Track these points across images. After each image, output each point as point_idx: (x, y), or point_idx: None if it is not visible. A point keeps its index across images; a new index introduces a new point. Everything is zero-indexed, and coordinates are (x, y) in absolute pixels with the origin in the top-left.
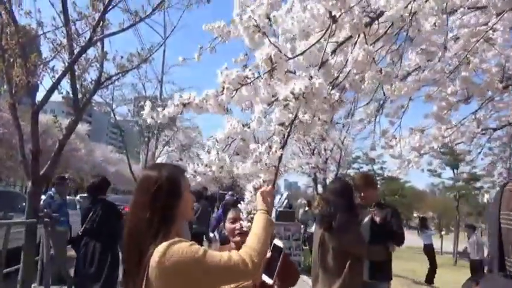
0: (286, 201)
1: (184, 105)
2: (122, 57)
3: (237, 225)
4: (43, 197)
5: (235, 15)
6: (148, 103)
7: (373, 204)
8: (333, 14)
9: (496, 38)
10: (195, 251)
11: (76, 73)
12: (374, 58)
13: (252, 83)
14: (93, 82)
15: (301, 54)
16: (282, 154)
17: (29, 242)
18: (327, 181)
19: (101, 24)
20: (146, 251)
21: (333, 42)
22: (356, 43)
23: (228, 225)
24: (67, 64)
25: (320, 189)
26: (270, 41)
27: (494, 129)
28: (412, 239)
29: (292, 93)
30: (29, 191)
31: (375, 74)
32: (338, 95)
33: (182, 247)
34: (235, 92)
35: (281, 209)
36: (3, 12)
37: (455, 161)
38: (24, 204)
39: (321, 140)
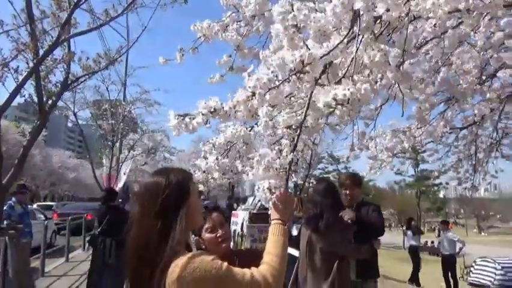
0: (259, 203)
1: (212, 112)
2: (88, 58)
3: (219, 233)
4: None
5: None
6: (172, 114)
7: (355, 203)
8: (357, 12)
9: (476, 41)
10: (218, 267)
11: (42, 75)
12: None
13: (278, 87)
14: (58, 84)
15: (327, 54)
16: (292, 158)
17: None
18: (298, 182)
19: (70, 23)
20: (158, 263)
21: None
22: (360, 43)
23: (207, 235)
24: (31, 65)
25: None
26: (304, 42)
27: (461, 129)
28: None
29: (334, 99)
30: None
31: (395, 74)
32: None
33: (205, 262)
34: (264, 96)
35: (255, 211)
36: None
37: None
38: None
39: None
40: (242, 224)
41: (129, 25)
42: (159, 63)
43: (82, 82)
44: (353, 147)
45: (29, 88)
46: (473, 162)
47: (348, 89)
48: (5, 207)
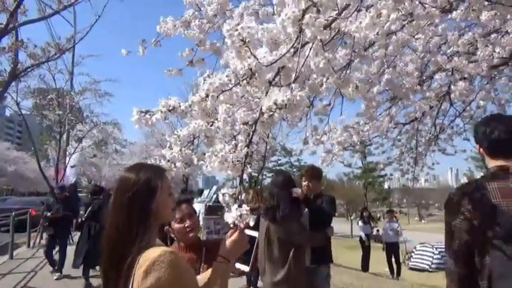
0: (215, 195)
1: (170, 110)
2: (36, 46)
3: (187, 223)
4: None
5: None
6: (134, 110)
7: (313, 194)
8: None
9: (417, 46)
10: (177, 275)
11: None
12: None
13: (231, 89)
14: (4, 74)
15: (275, 62)
16: (247, 152)
17: None
18: (252, 174)
19: (18, 10)
20: (127, 254)
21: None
22: (311, 49)
23: (176, 225)
24: None
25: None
26: (251, 52)
27: (404, 124)
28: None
29: (275, 103)
30: None
31: (336, 80)
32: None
33: (171, 264)
34: (217, 97)
35: (211, 203)
36: None
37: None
38: None
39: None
40: (198, 216)
41: (76, 14)
42: (109, 52)
43: (30, 71)
44: (306, 140)
45: None
46: (414, 155)
47: (286, 96)
48: None
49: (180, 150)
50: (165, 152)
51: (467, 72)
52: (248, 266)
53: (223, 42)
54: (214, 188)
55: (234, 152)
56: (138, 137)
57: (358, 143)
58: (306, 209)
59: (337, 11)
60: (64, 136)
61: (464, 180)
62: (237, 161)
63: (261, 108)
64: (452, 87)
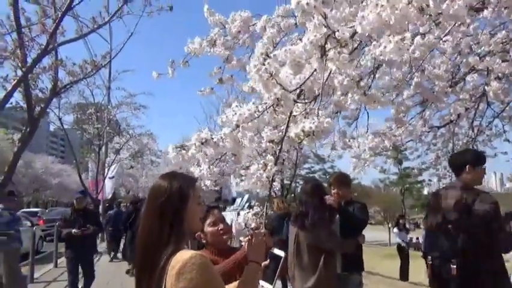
0: (247, 203)
1: (203, 143)
2: (74, 64)
3: (220, 226)
4: None
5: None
6: (170, 147)
7: (343, 202)
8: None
9: (446, 48)
10: (209, 277)
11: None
12: (357, 81)
13: (258, 117)
14: (45, 91)
15: (299, 87)
16: (276, 170)
17: None
18: (284, 181)
19: (60, 31)
20: (158, 259)
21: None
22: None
23: (209, 229)
24: (19, 73)
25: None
26: (279, 83)
27: (438, 127)
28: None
29: (303, 130)
30: None
31: (361, 97)
32: (317, 110)
33: (203, 266)
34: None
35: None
36: None
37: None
38: None
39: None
40: (231, 224)
41: (112, 31)
42: (141, 66)
43: (69, 88)
44: (334, 145)
45: (16, 95)
46: None
47: (314, 123)
48: None
49: (209, 167)
50: (193, 170)
51: (501, 72)
52: (271, 284)
53: (250, 57)
54: (246, 196)
55: (264, 171)
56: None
57: (390, 148)
58: (338, 216)
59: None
60: (103, 148)
61: (510, 184)
62: (267, 179)
63: (287, 126)
64: (486, 87)
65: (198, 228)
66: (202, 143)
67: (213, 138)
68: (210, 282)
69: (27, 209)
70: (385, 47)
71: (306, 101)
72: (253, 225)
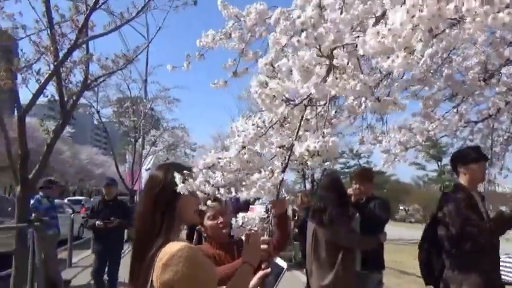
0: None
1: (209, 168)
2: (107, 58)
3: (219, 220)
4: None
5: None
6: (177, 177)
7: (365, 197)
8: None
9: (477, 37)
10: (194, 269)
11: (63, 76)
12: (371, 86)
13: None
14: (79, 84)
15: (308, 96)
16: (283, 178)
17: (21, 247)
18: (315, 176)
19: (86, 26)
20: (149, 249)
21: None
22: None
23: (209, 222)
24: (52, 67)
25: (308, 185)
26: (285, 101)
27: (476, 122)
28: (399, 232)
29: (307, 150)
30: (18, 196)
31: (374, 103)
32: (333, 112)
33: (189, 259)
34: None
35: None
36: None
37: (439, 153)
38: (9, 208)
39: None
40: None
41: (148, 24)
42: (173, 59)
43: (102, 81)
44: (363, 140)
45: (51, 88)
46: (490, 156)
47: (318, 143)
48: (32, 201)
49: (222, 174)
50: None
51: None
52: None
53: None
54: None
55: (271, 178)
56: (207, 141)
57: (423, 143)
58: (357, 214)
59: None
60: (139, 141)
61: None
62: (274, 186)
63: (297, 132)
64: None
65: (192, 220)
66: (208, 168)
67: (219, 163)
68: (196, 275)
69: (73, 197)
70: (393, 61)
71: (318, 104)
72: (255, 228)
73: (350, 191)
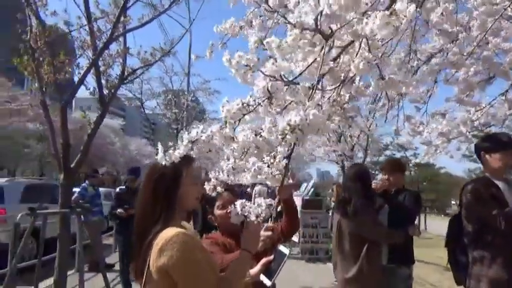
0: (312, 189)
1: (193, 142)
2: (146, 51)
3: (229, 209)
4: (77, 189)
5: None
6: (159, 147)
7: (394, 189)
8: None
9: None
10: (188, 255)
11: (101, 69)
12: (377, 63)
13: (254, 111)
14: (117, 77)
15: (300, 75)
16: (287, 163)
17: (64, 231)
18: None
19: (122, 20)
20: (148, 232)
21: (337, 47)
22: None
23: (218, 212)
24: (90, 61)
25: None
26: (264, 73)
27: None
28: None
29: (289, 124)
30: (61, 183)
31: (377, 81)
32: (347, 96)
33: (184, 245)
34: (238, 122)
35: (307, 197)
36: (30, 13)
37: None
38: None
39: (347, 127)
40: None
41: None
42: (218, 52)
43: (141, 74)
44: (398, 131)
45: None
46: None
47: (298, 116)
48: (79, 189)
49: (234, 161)
50: (223, 164)
51: None
52: (271, 280)
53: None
54: (312, 181)
55: (272, 163)
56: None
57: (467, 133)
58: (386, 205)
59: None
60: (182, 132)
61: None
62: (278, 172)
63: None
64: None
65: (192, 206)
66: (192, 142)
67: (202, 137)
68: (190, 260)
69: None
70: (373, 23)
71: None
72: (253, 217)
73: (374, 183)
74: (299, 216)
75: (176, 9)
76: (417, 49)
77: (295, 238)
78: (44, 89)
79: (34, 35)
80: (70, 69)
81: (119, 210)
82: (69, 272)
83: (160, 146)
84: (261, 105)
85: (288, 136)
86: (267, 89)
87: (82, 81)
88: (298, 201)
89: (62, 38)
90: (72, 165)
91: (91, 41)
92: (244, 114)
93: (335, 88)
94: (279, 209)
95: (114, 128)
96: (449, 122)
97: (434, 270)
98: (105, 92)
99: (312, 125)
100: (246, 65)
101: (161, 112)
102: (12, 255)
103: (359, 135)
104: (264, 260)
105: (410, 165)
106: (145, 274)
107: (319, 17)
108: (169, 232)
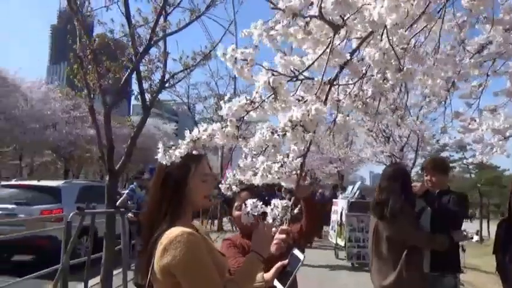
0: (358, 191)
1: (194, 141)
2: (188, 56)
3: None
4: (126, 190)
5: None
6: (160, 146)
7: (437, 191)
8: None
9: None
10: (192, 255)
11: (144, 74)
12: (396, 53)
13: (259, 107)
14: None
15: (306, 69)
16: (302, 162)
17: (109, 231)
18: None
19: (161, 25)
20: (155, 230)
21: (356, 38)
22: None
23: (236, 212)
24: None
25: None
26: (264, 67)
27: None
28: None
29: (290, 120)
30: (106, 184)
31: (394, 73)
32: (370, 91)
33: (188, 244)
34: (242, 120)
35: (353, 200)
36: (76, 24)
37: None
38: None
39: (396, 126)
40: (341, 212)
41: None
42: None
43: (183, 78)
44: (445, 129)
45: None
46: None
47: (300, 111)
48: (128, 190)
49: (252, 160)
50: (240, 162)
51: None
52: (284, 286)
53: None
54: (358, 183)
55: (284, 163)
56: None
57: None
58: (428, 208)
59: None
60: None
61: None
62: (293, 171)
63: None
64: None
65: (202, 205)
66: (193, 141)
67: (203, 136)
68: (193, 260)
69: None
70: (381, 6)
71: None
72: (270, 220)
73: (414, 185)
74: (344, 219)
75: (223, 12)
76: (466, 41)
77: (341, 242)
78: (92, 95)
79: (81, 45)
80: (116, 76)
81: (129, 214)
82: (117, 271)
83: (160, 145)
84: (266, 102)
85: (288, 135)
86: (269, 84)
87: (123, 86)
88: (344, 204)
89: (107, 45)
90: (116, 167)
91: (132, 48)
92: (247, 112)
93: (354, 83)
94: (296, 210)
95: (167, 132)
96: (508, 119)
97: (495, 280)
98: (147, 96)
99: (314, 120)
100: (244, 60)
101: (208, 116)
102: (64, 251)
103: (409, 135)
104: (278, 265)
105: (470, 167)
106: (149, 273)
107: (322, 4)
108: (174, 231)
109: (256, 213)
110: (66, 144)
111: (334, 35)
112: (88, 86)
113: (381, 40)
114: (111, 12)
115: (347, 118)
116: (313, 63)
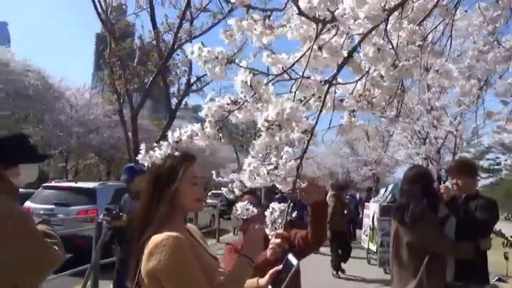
0: (390, 195)
1: (177, 142)
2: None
3: None
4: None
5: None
6: (142, 146)
7: (464, 195)
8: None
9: None
10: (176, 259)
11: (170, 78)
12: (395, 49)
13: (244, 107)
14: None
15: (291, 67)
16: (299, 164)
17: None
18: (442, 173)
19: (186, 29)
20: (143, 234)
21: (358, 34)
22: (385, 29)
23: None
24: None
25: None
26: (241, 66)
27: None
28: None
29: (266, 120)
30: None
31: (388, 70)
32: (377, 91)
33: (173, 248)
34: (223, 120)
35: (385, 203)
36: (104, 30)
37: None
38: None
39: (432, 127)
40: (373, 216)
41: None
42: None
43: (209, 82)
44: (477, 129)
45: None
46: None
47: (275, 111)
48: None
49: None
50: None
51: None
52: None
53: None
54: (390, 186)
55: (278, 165)
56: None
57: None
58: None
59: None
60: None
61: None
62: (289, 175)
63: (318, 115)
64: None
65: (192, 208)
66: (176, 142)
67: (183, 137)
68: (178, 265)
69: (214, 191)
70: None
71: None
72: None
73: (441, 188)
74: (376, 223)
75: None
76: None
77: (372, 246)
78: (121, 100)
79: (109, 52)
80: (145, 80)
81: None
82: None
83: (143, 146)
84: (248, 102)
85: (263, 135)
86: (247, 84)
87: (148, 90)
88: (376, 208)
89: (134, 51)
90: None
91: (157, 53)
92: (229, 112)
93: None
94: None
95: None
96: None
97: None
98: (173, 100)
99: (290, 119)
100: (217, 58)
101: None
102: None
103: (446, 136)
104: (272, 271)
105: None
106: (136, 278)
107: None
108: (160, 236)
109: (245, 217)
110: (108, 147)
111: (320, 31)
112: (116, 91)
113: (384, 35)
114: (143, 19)
115: (353, 119)
116: (297, 60)
